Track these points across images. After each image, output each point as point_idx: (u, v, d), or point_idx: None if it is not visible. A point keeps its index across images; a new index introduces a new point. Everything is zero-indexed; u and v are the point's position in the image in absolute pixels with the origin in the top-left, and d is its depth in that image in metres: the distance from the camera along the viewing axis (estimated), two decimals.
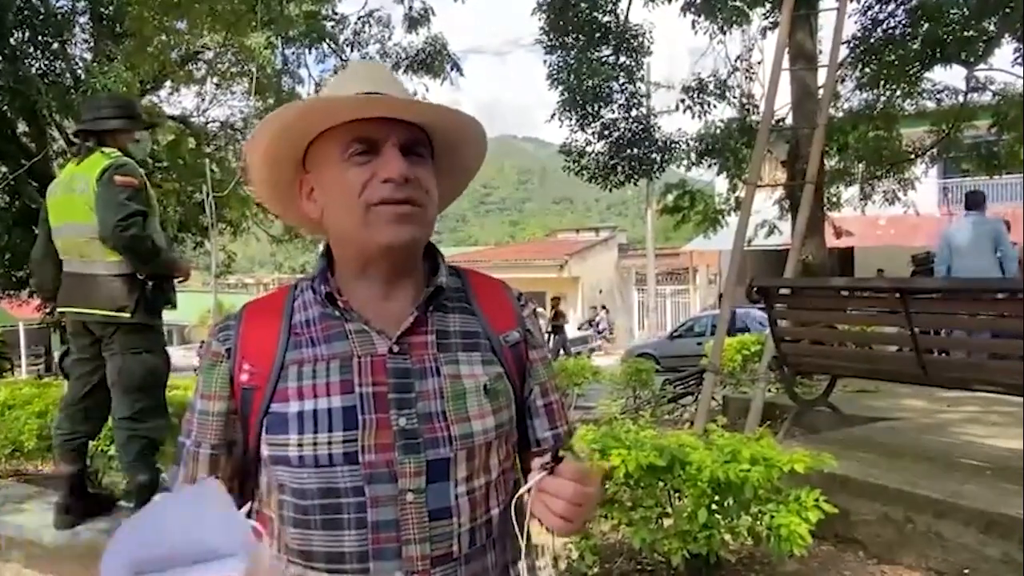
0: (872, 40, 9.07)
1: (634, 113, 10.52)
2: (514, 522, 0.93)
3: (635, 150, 10.53)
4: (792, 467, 2.60)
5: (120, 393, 3.09)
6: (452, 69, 11.32)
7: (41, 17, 8.89)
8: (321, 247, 1.03)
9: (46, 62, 9.18)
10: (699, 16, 9.64)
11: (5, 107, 9.23)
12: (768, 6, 9.37)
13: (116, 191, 2.96)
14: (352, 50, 11.38)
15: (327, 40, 10.99)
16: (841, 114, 10.18)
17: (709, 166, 10.81)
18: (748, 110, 10.29)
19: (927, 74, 9.58)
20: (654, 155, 10.55)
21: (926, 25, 8.58)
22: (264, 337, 0.93)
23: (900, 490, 3.18)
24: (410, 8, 10.78)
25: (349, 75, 1.01)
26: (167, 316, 3.39)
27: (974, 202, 6.35)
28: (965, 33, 8.60)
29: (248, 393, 0.92)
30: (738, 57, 10.55)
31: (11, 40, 8.52)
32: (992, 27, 8.67)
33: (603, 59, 10.13)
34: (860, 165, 10.96)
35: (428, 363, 0.92)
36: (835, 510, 2.62)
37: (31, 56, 8.99)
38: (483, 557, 0.92)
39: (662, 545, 2.59)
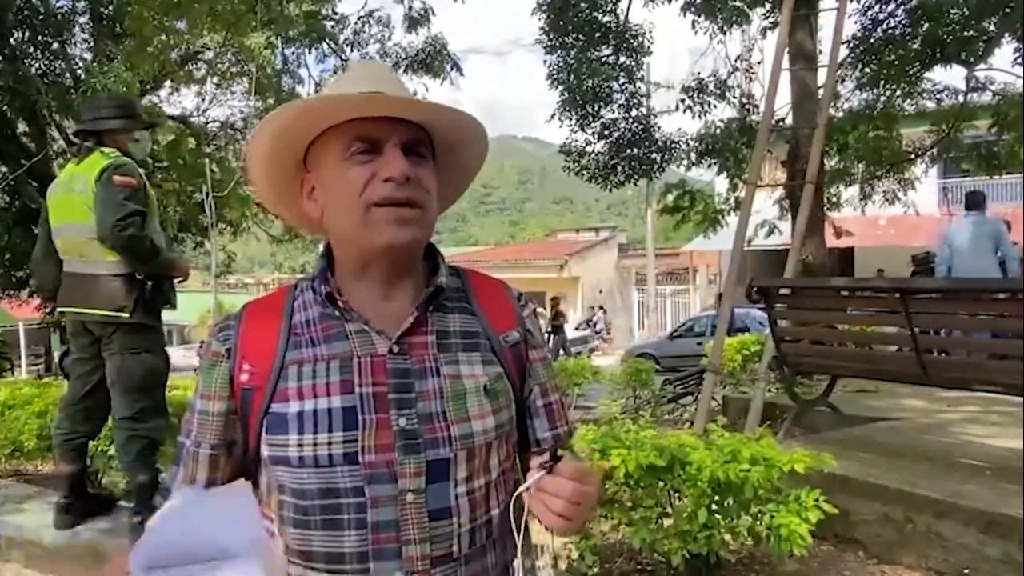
0: (872, 40, 9.07)
1: (634, 113, 10.52)
2: (512, 520, 0.92)
3: (635, 150, 10.53)
4: (792, 467, 2.60)
5: (120, 393, 3.09)
6: (452, 69, 11.32)
7: (41, 17, 8.88)
8: (321, 247, 1.03)
9: (46, 62, 9.17)
10: (699, 16, 9.64)
11: (5, 107, 9.22)
12: (768, 6, 9.37)
13: (114, 191, 2.96)
14: (352, 50, 11.39)
15: (327, 40, 10.99)
16: (841, 114, 10.18)
17: (709, 166, 10.81)
18: (748, 110, 10.29)
19: (927, 74, 9.58)
20: (654, 155, 10.55)
21: (926, 25, 8.58)
22: (264, 337, 0.93)
23: (900, 490, 3.18)
24: (410, 8, 10.79)
25: (350, 75, 1.01)
26: (167, 316, 3.39)
27: (974, 202, 6.35)
28: (965, 33, 8.59)
29: (248, 393, 0.92)
30: (738, 57, 10.56)
31: (11, 40, 8.51)
32: (992, 27, 8.67)
33: (603, 59, 10.13)
34: (860, 165, 10.96)
35: (428, 363, 0.92)
36: (835, 510, 2.62)
37: (31, 56, 8.99)
38: (483, 557, 0.92)
39: (662, 545, 2.59)
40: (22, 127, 9.89)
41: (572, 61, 10.00)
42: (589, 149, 10.67)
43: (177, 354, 12.36)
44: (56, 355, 10.57)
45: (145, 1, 7.96)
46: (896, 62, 8.99)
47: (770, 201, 11.08)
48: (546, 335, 15.33)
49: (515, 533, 0.92)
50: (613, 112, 10.41)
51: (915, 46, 8.82)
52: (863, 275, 15.21)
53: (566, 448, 1.01)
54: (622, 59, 10.24)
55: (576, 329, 21.86)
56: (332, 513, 0.87)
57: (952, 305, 4.14)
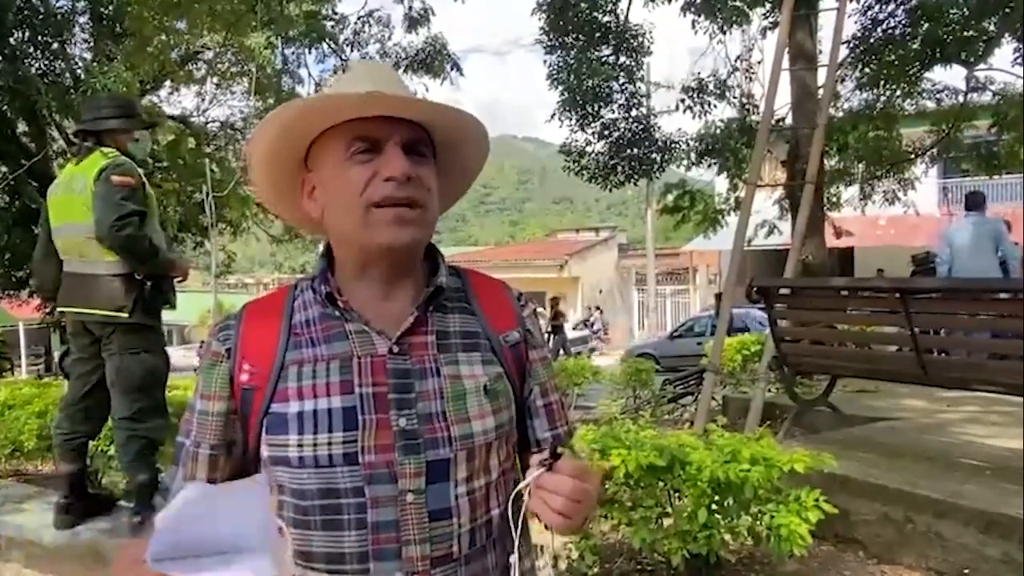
0: (872, 40, 9.07)
1: (634, 113, 10.51)
2: (510, 518, 0.92)
3: (635, 150, 10.53)
4: (792, 467, 2.60)
5: (119, 393, 3.09)
6: (452, 69, 11.32)
7: (41, 17, 8.87)
8: (321, 247, 1.03)
9: (46, 62, 9.17)
10: (699, 16, 9.63)
11: (5, 107, 9.21)
12: (768, 6, 9.37)
13: (113, 190, 2.96)
14: (352, 50, 11.38)
15: (327, 40, 10.98)
16: (841, 114, 10.19)
17: (709, 166, 10.81)
18: (748, 110, 10.29)
19: (927, 74, 9.59)
20: (654, 155, 10.54)
21: (926, 25, 8.58)
22: (264, 337, 0.93)
23: (900, 490, 3.18)
24: (410, 8, 10.79)
25: (351, 75, 1.01)
26: (167, 316, 3.39)
27: (974, 203, 6.36)
28: (965, 33, 8.60)
29: (248, 393, 0.91)
30: (738, 57, 10.56)
31: (11, 40, 8.51)
32: (992, 27, 8.67)
33: (603, 59, 10.13)
34: (860, 165, 10.96)
35: (428, 363, 0.92)
36: (835, 510, 2.62)
37: (31, 56, 8.98)
38: (483, 558, 0.92)
39: (662, 545, 2.59)
40: (22, 127, 9.89)
41: (572, 61, 10.00)
42: (589, 149, 10.67)
43: (177, 354, 12.36)
44: (56, 355, 10.56)
45: (145, 1, 7.96)
46: (896, 62, 8.99)
47: (770, 201, 11.08)
48: (546, 335, 15.33)
49: (513, 530, 0.91)
50: (613, 112, 10.41)
51: (915, 46, 8.82)
52: (863, 275, 15.21)
53: (566, 448, 1.01)
54: (622, 59, 10.24)
55: (573, 329, 21.88)
56: (332, 513, 0.87)
57: (952, 305, 4.14)
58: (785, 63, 5.96)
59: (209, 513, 0.65)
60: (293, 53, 11.40)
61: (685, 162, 10.77)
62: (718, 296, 14.68)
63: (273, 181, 0.99)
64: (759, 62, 10.46)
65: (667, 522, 2.69)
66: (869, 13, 9.14)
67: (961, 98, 9.85)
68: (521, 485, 0.87)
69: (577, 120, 10.31)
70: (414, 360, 0.91)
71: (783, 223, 10.45)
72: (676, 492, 2.74)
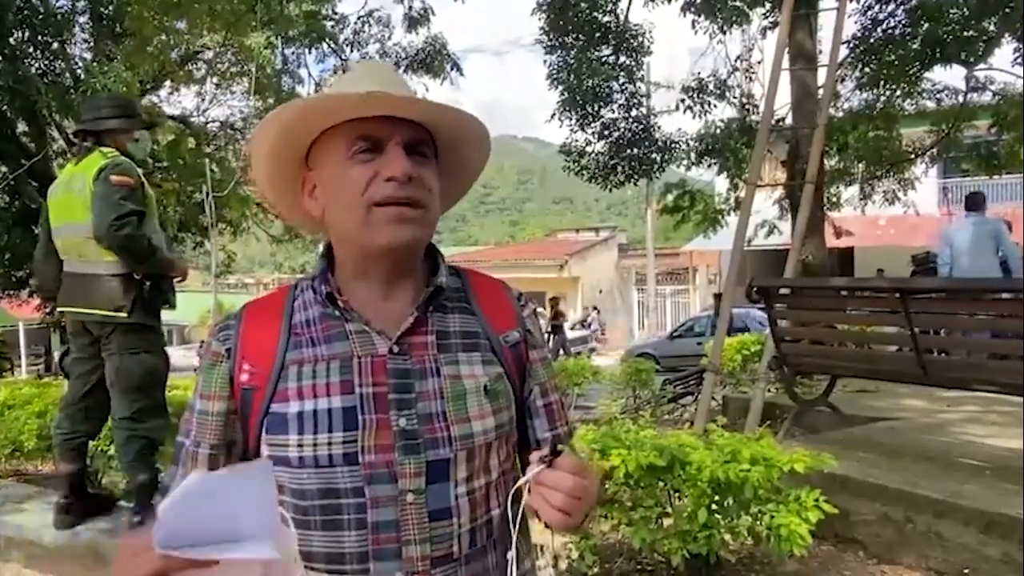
0: (872, 40, 9.07)
1: (634, 113, 10.52)
2: (509, 514, 0.92)
3: (635, 150, 10.53)
4: (792, 467, 2.60)
5: (119, 393, 3.09)
6: (452, 69, 11.32)
7: (41, 17, 8.87)
8: (321, 247, 1.03)
9: (46, 62, 9.16)
10: (699, 16, 9.64)
11: (5, 107, 9.21)
12: (768, 6, 9.37)
13: (112, 190, 2.96)
14: (352, 50, 11.39)
15: (327, 40, 10.98)
16: (841, 114, 10.19)
17: (709, 166, 10.81)
18: (748, 110, 10.29)
19: (927, 74, 9.59)
20: (654, 155, 10.55)
21: (926, 25, 8.58)
22: (264, 337, 0.93)
23: (900, 490, 3.18)
24: (410, 8, 10.79)
25: (353, 74, 1.02)
26: (167, 316, 3.39)
27: (974, 203, 6.36)
28: (965, 33, 8.60)
29: (248, 393, 0.91)
30: (738, 57, 10.56)
31: (11, 40, 8.51)
32: (992, 27, 8.67)
33: (603, 59, 10.13)
34: (860, 165, 10.96)
35: (428, 363, 0.92)
36: (835, 510, 2.62)
37: (31, 56, 8.97)
38: (483, 558, 0.92)
39: (662, 545, 2.59)
40: (22, 127, 9.88)
41: (572, 61, 10.00)
42: (589, 149, 10.67)
43: (177, 354, 12.36)
44: (56, 355, 10.57)
45: (145, 1, 7.95)
46: (896, 62, 8.99)
47: (770, 201, 11.08)
48: (546, 335, 15.33)
49: (512, 525, 0.91)
50: (613, 112, 10.41)
51: (915, 46, 8.82)
52: (863, 275, 15.21)
53: (566, 447, 1.01)
54: (622, 59, 10.24)
55: (571, 329, 21.89)
56: (332, 513, 0.87)
57: (952, 305, 4.14)
58: (785, 63, 5.96)
59: (211, 500, 0.65)
60: (293, 53, 11.41)
61: (685, 162, 10.77)
62: (717, 296, 14.71)
63: (274, 180, 0.99)
64: (759, 62, 10.47)
65: (667, 522, 2.69)
66: (869, 13, 9.15)
67: (961, 98, 9.85)
68: (521, 481, 0.87)
69: (577, 120, 10.31)
70: (414, 360, 0.91)
71: (783, 223, 10.45)
72: (676, 492, 2.74)
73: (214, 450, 0.93)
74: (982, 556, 2.85)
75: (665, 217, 12.47)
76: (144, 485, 3.06)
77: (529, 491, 0.86)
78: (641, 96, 10.66)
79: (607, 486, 2.66)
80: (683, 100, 10.23)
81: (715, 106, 10.25)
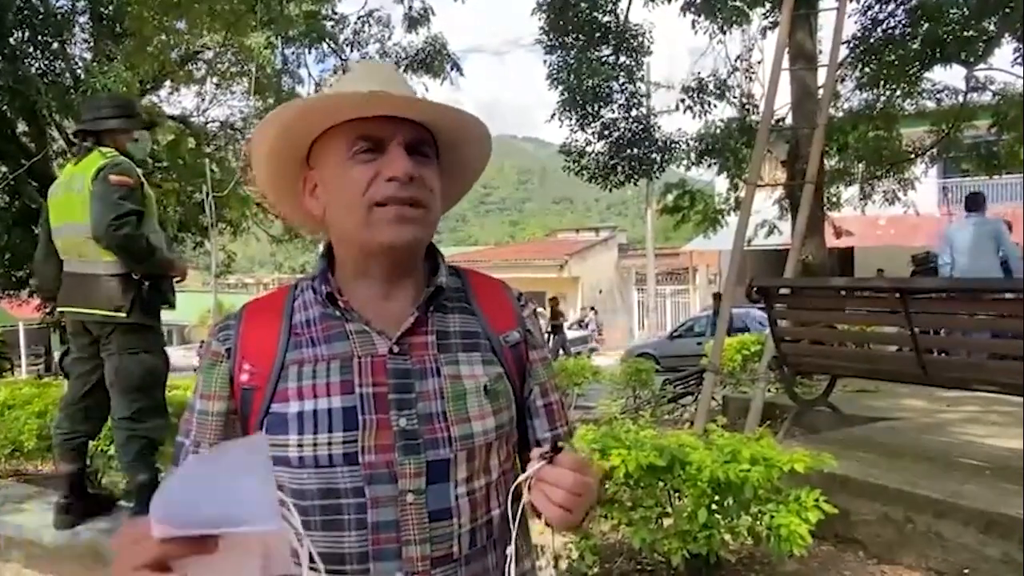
0: (872, 40, 9.07)
1: (634, 113, 10.52)
2: (509, 512, 0.92)
3: (635, 150, 10.54)
4: (792, 467, 2.60)
5: (118, 393, 3.09)
6: (452, 69, 11.32)
7: (41, 17, 8.87)
8: (321, 247, 1.03)
9: (46, 62, 9.17)
10: (699, 16, 9.64)
11: (5, 107, 9.21)
12: (768, 6, 9.37)
13: (110, 190, 2.96)
14: (352, 50, 11.39)
15: (327, 40, 10.98)
16: (841, 114, 10.19)
17: (709, 166, 10.81)
18: (748, 110, 10.30)
19: (927, 74, 9.60)
20: (654, 155, 10.55)
21: (926, 25, 8.58)
22: (264, 337, 0.93)
23: (900, 490, 3.18)
24: (410, 8, 10.79)
25: (354, 74, 1.02)
26: (167, 316, 3.39)
27: (974, 203, 6.36)
28: (965, 33, 8.60)
29: (248, 393, 0.91)
30: (738, 57, 10.56)
31: (11, 40, 8.51)
32: (992, 27, 8.67)
33: (603, 59, 10.13)
34: (860, 165, 10.97)
35: (428, 363, 0.92)
36: (835, 510, 2.62)
37: (31, 56, 8.98)
38: (483, 558, 0.92)
39: (662, 545, 2.59)
40: (22, 127, 9.89)
41: (572, 61, 10.00)
42: (589, 149, 10.67)
43: (177, 354, 12.37)
44: (56, 355, 10.57)
45: (145, 1, 7.95)
46: (896, 62, 9.00)
47: (770, 201, 11.08)
48: (546, 335, 15.33)
49: (512, 522, 0.91)
50: (613, 112, 10.42)
51: (915, 46, 8.82)
52: (863, 275, 15.21)
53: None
54: (622, 59, 10.25)
55: (568, 330, 21.89)
56: (332, 513, 0.87)
57: (952, 305, 4.14)
58: (785, 63, 5.96)
59: (208, 478, 0.64)
60: (293, 53, 11.41)
61: (685, 162, 10.78)
62: (716, 296, 14.71)
63: (275, 180, 0.99)
64: (759, 62, 10.47)
65: (667, 522, 2.69)
66: (869, 13, 9.15)
67: (961, 98, 9.85)
68: (522, 477, 0.87)
69: (577, 120, 10.31)
70: (414, 360, 0.91)
71: (783, 223, 10.45)
72: (676, 492, 2.75)
73: None
74: (982, 556, 2.85)
75: (665, 217, 12.47)
76: (144, 485, 3.06)
77: (530, 489, 0.86)
78: (641, 96, 10.67)
79: (607, 486, 2.66)
80: (683, 100, 10.23)
81: (715, 106, 10.26)
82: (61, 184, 3.22)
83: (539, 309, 10.49)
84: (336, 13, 11.61)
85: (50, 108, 8.74)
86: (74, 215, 3.06)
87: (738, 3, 9.16)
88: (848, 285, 5.64)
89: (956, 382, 4.03)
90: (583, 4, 9.87)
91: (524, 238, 58.12)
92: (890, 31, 9.01)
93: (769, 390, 5.24)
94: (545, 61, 10.37)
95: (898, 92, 9.71)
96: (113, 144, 3.16)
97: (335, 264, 0.97)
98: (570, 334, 19.31)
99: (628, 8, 10.14)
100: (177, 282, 3.30)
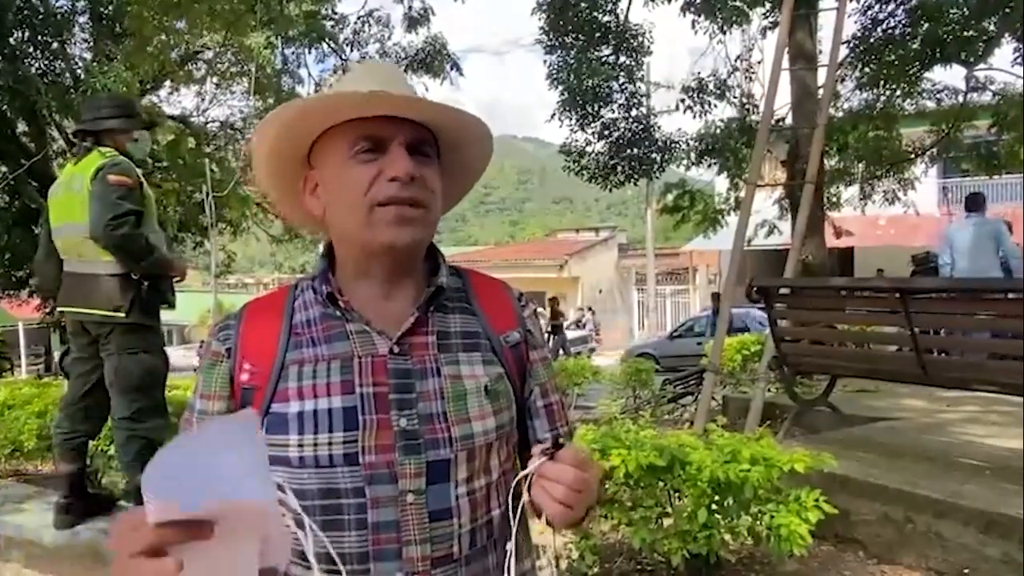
0: (872, 40, 9.08)
1: (634, 113, 10.52)
2: (510, 509, 0.92)
3: (635, 150, 10.54)
4: (792, 467, 2.60)
5: (118, 393, 3.09)
6: (452, 69, 11.32)
7: (41, 17, 8.87)
8: (321, 247, 1.03)
9: (46, 62, 9.17)
10: (699, 16, 9.64)
11: (5, 107, 9.21)
12: (768, 6, 9.37)
13: (109, 190, 2.96)
14: (352, 50, 11.39)
15: (327, 40, 10.99)
16: (841, 114, 10.19)
17: (709, 166, 10.82)
18: (748, 110, 10.30)
19: (927, 74, 9.60)
20: (654, 155, 10.55)
21: (926, 25, 8.58)
22: (264, 337, 0.93)
23: (900, 490, 3.18)
24: (410, 8, 10.80)
25: (356, 74, 1.02)
26: (167, 316, 3.39)
27: (974, 204, 6.37)
28: (965, 33, 8.60)
29: (248, 393, 0.91)
30: (738, 57, 10.57)
31: (11, 40, 8.51)
32: (992, 27, 8.67)
33: (603, 59, 10.13)
34: (860, 165, 10.97)
35: (429, 364, 0.92)
36: (835, 510, 2.62)
37: (31, 56, 8.98)
38: (484, 558, 0.92)
39: (662, 545, 2.59)
40: (22, 127, 9.89)
41: (572, 61, 10.00)
42: (589, 149, 10.67)
43: (177, 354, 12.38)
44: (56, 355, 10.58)
45: (145, 1, 7.95)
46: (896, 62, 9.00)
47: (770, 201, 11.08)
48: (546, 335, 15.32)
49: (511, 519, 0.91)
50: (613, 112, 10.42)
51: (915, 46, 8.83)
52: (863, 275, 15.21)
53: None
54: (622, 59, 10.25)
55: (565, 329, 21.86)
56: (332, 514, 0.87)
57: (952, 305, 4.14)
58: (785, 63, 5.96)
59: (199, 452, 0.64)
60: (293, 53, 11.41)
61: (685, 162, 10.78)
62: (715, 295, 14.72)
63: (275, 180, 0.99)
64: (759, 62, 10.48)
65: (667, 522, 2.69)
66: (869, 13, 9.15)
67: (961, 98, 9.85)
68: (523, 473, 0.87)
69: (577, 120, 10.31)
70: (415, 360, 0.91)
71: (783, 223, 10.45)
72: (676, 492, 2.74)
73: None
74: (982, 556, 2.85)
75: (665, 217, 12.48)
76: None
77: (530, 488, 0.85)
78: (641, 96, 10.67)
79: (607, 486, 2.66)
80: (683, 100, 10.24)
81: (715, 106, 10.27)
82: (61, 184, 3.22)
83: (539, 309, 10.46)
84: (336, 13, 11.62)
85: (50, 108, 8.74)
86: (73, 215, 3.06)
87: (738, 3, 9.16)
88: (848, 285, 5.64)
89: (956, 382, 4.03)
90: (583, 4, 9.87)
91: (524, 238, 58.12)
92: (890, 31, 9.01)
93: (769, 390, 5.24)
94: (545, 61, 10.38)
95: (898, 92, 9.72)
96: (113, 144, 3.16)
97: (335, 264, 0.97)
98: (570, 334, 19.32)
99: (628, 8, 10.16)
100: (176, 282, 3.29)
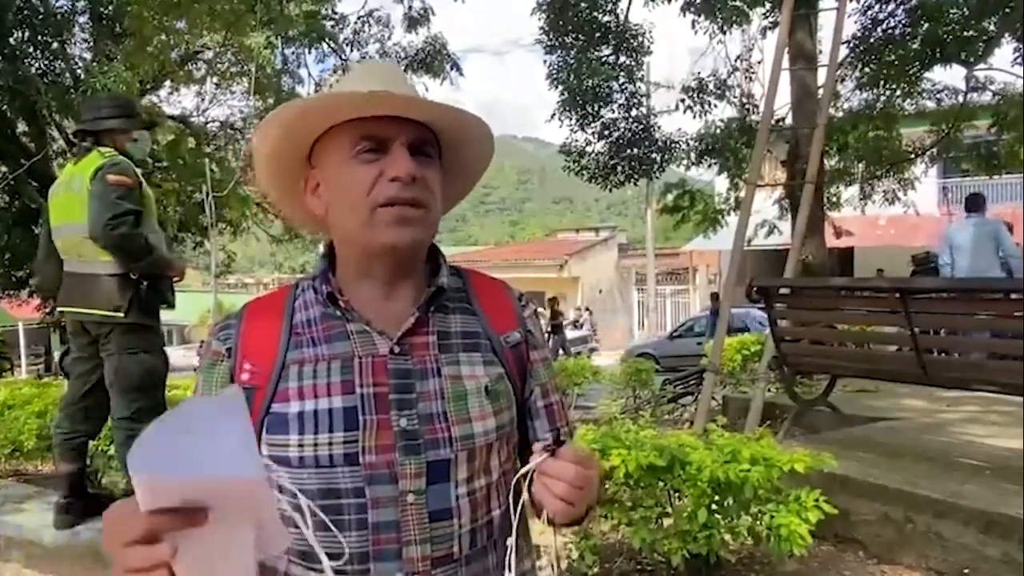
0: (872, 40, 9.08)
1: (634, 113, 10.52)
2: (511, 507, 0.92)
3: (635, 150, 10.54)
4: (792, 467, 2.60)
5: (117, 393, 3.09)
6: (452, 69, 11.33)
7: (41, 17, 8.88)
8: (322, 247, 1.03)
9: (46, 62, 9.17)
10: (699, 16, 9.64)
11: (5, 107, 9.22)
12: (768, 6, 9.37)
13: (108, 190, 2.96)
14: (352, 50, 11.39)
15: (327, 40, 10.99)
16: (841, 114, 10.19)
17: (709, 166, 10.82)
18: (748, 110, 10.30)
19: (927, 74, 9.60)
20: (654, 155, 10.55)
21: (926, 25, 8.58)
22: (265, 337, 0.93)
23: (900, 490, 3.18)
24: (410, 8, 10.80)
25: (356, 74, 1.02)
26: (167, 316, 3.39)
27: (974, 204, 6.37)
28: (965, 33, 8.60)
29: (248, 393, 0.91)
30: (738, 57, 10.57)
31: (11, 40, 8.51)
32: (992, 27, 8.68)
33: (603, 59, 10.13)
34: (860, 165, 10.97)
35: (429, 364, 0.92)
36: (835, 510, 2.62)
37: (31, 56, 8.98)
38: (484, 558, 0.92)
39: (662, 545, 2.59)
40: (22, 127, 9.89)
41: (572, 61, 10.00)
42: (589, 149, 10.67)
43: (177, 354, 12.39)
44: (56, 355, 10.57)
45: (145, 1, 7.95)
46: (896, 62, 9.00)
47: (770, 201, 11.08)
48: (546, 335, 15.29)
49: (512, 516, 0.91)
50: (613, 112, 10.42)
51: (915, 46, 8.83)
52: (863, 275, 15.21)
53: None
54: (622, 59, 10.25)
55: (566, 329, 21.84)
56: (332, 514, 0.87)
57: (952, 305, 4.14)
58: (785, 63, 5.96)
59: (186, 429, 0.64)
60: (293, 53, 11.41)
61: (685, 162, 10.78)
62: (715, 295, 14.72)
63: (276, 179, 0.99)
64: (759, 62, 10.48)
65: (667, 522, 2.69)
66: (869, 13, 9.15)
67: (961, 98, 9.85)
68: (524, 469, 0.86)
69: (577, 120, 10.31)
70: (415, 360, 0.91)
71: (783, 223, 10.45)
72: (676, 492, 2.75)
73: None
74: (982, 556, 2.85)
75: (665, 217, 12.47)
76: None
77: (530, 486, 0.85)
78: (641, 96, 10.67)
79: (607, 486, 2.66)
80: (683, 100, 10.24)
81: (715, 106, 10.27)
82: (61, 184, 3.22)
83: (539, 309, 10.46)
84: (336, 13, 11.62)
85: (50, 108, 8.74)
86: (73, 215, 3.06)
87: (738, 3, 9.15)
88: (848, 285, 5.64)
89: (956, 382, 4.03)
90: (583, 4, 9.87)
91: (524, 238, 58.12)
92: (890, 31, 9.01)
93: (769, 390, 5.24)
94: (545, 61, 10.37)
95: (898, 92, 9.72)
96: (112, 144, 3.16)
97: (336, 264, 0.97)
98: (570, 334, 19.32)
99: (628, 8, 10.15)
100: (176, 282, 3.29)
